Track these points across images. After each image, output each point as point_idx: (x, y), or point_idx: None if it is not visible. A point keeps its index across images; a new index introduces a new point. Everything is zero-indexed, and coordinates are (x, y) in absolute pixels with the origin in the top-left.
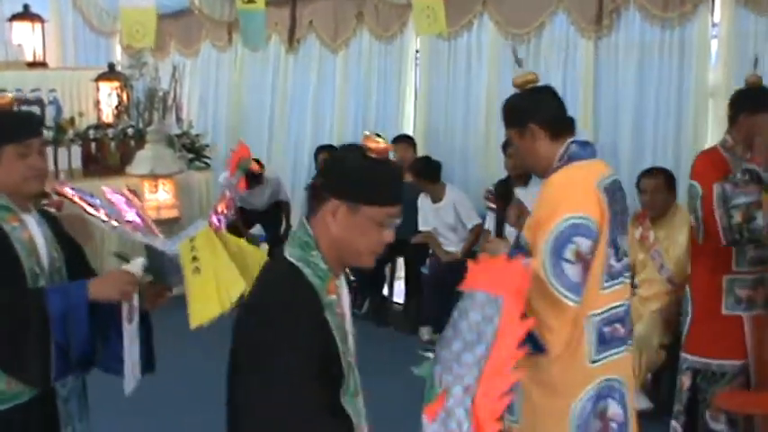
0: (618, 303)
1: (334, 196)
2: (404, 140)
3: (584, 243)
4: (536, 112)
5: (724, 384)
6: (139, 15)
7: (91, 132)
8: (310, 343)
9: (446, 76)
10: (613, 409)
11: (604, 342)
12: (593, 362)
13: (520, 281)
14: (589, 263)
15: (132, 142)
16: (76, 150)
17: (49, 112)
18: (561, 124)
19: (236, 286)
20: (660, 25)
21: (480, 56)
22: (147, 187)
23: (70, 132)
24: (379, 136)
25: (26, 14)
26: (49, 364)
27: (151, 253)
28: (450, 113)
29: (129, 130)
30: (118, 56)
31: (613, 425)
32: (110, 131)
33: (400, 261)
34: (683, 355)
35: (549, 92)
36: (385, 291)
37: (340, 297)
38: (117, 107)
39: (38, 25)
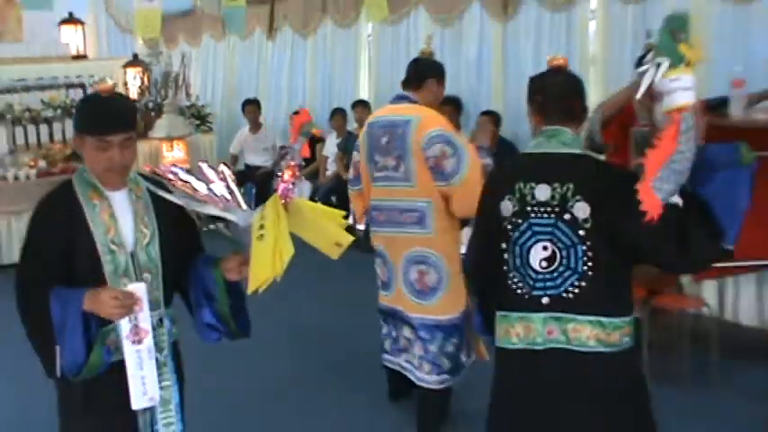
0: (381, 197)
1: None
2: (360, 104)
3: (355, 155)
4: None
5: None
6: (149, 14)
7: None
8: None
9: (391, 53)
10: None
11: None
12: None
13: None
14: (356, 167)
15: (152, 113)
16: None
17: (90, 93)
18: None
19: (287, 251)
20: (551, 10)
21: (417, 36)
22: (165, 147)
23: None
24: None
25: (71, 19)
26: (55, 361)
27: (230, 224)
28: (395, 83)
29: (150, 104)
30: (139, 48)
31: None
32: (135, 105)
33: None
34: None
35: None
36: None
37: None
38: (140, 87)
39: (79, 27)
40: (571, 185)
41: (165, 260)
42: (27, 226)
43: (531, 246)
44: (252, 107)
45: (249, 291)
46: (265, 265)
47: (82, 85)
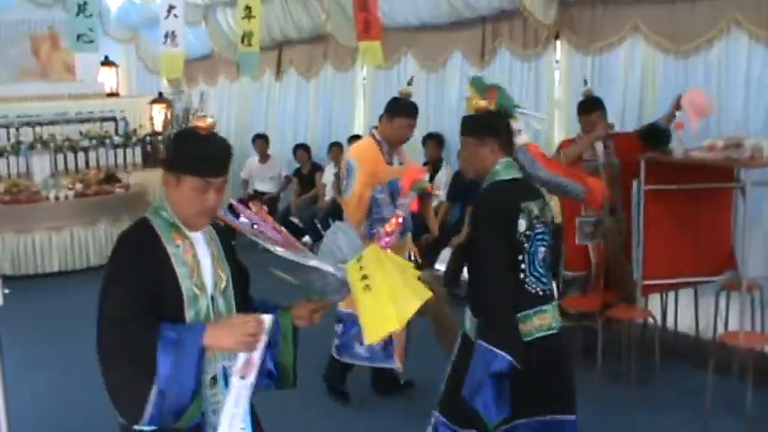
0: None
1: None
2: (355, 138)
3: None
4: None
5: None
6: (174, 57)
7: (148, 138)
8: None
9: (383, 94)
10: None
11: None
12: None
13: None
14: None
15: None
16: (138, 150)
17: (121, 126)
18: None
19: (411, 304)
20: (521, 59)
21: (406, 80)
22: None
23: (134, 138)
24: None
25: (107, 62)
26: (144, 406)
27: (299, 270)
28: None
29: (173, 136)
30: (163, 87)
31: None
32: (160, 137)
33: None
34: (564, 272)
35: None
36: None
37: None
38: (164, 121)
39: (114, 69)
40: (541, 199)
41: (237, 305)
42: (111, 265)
43: (536, 251)
44: (261, 141)
45: (367, 342)
46: (384, 318)
47: (114, 119)
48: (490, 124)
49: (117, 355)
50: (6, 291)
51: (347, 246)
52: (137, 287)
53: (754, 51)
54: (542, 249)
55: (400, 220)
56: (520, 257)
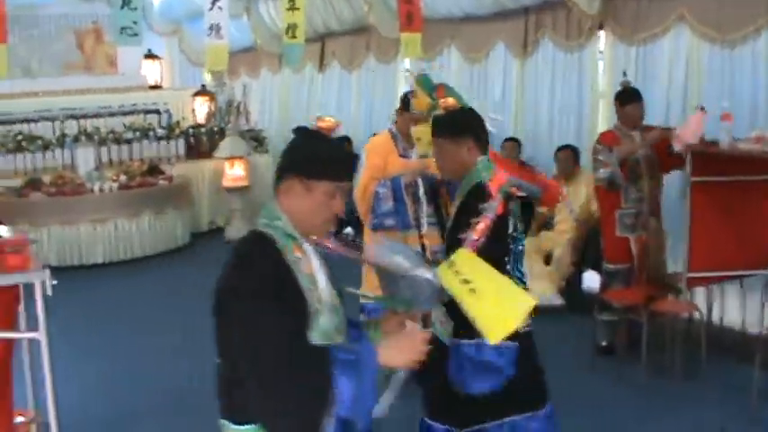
0: None
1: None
2: None
3: None
4: None
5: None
6: (218, 49)
7: (191, 130)
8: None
9: None
10: None
11: None
12: None
13: None
14: None
15: (217, 136)
16: (181, 142)
17: (164, 118)
18: None
19: (525, 301)
20: (564, 51)
21: (449, 71)
22: (227, 165)
23: (177, 130)
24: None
25: (150, 55)
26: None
27: (388, 281)
28: None
29: (215, 128)
30: (206, 79)
31: None
32: (203, 129)
33: None
34: (604, 263)
35: None
36: None
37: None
38: (207, 113)
39: (157, 62)
40: (517, 198)
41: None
42: (243, 294)
43: (519, 251)
44: None
45: (492, 342)
46: (501, 316)
47: (157, 111)
48: (465, 123)
49: (293, 393)
50: (54, 282)
51: (404, 253)
52: (285, 312)
53: None
54: (521, 249)
55: (488, 222)
56: (506, 258)
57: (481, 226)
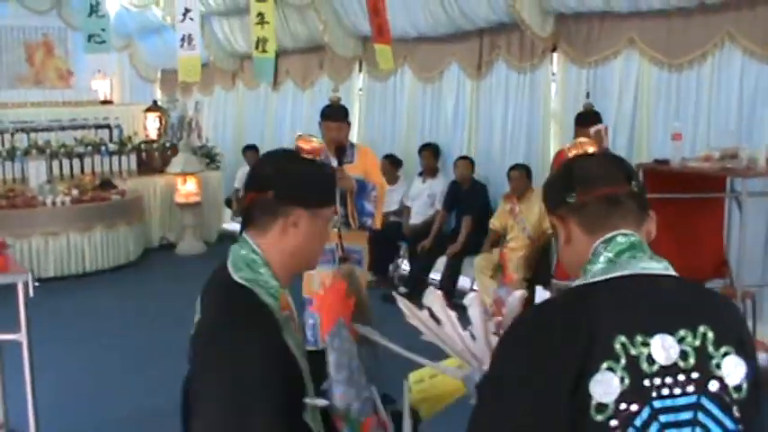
0: None
1: (294, 205)
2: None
3: None
4: None
5: None
6: (190, 61)
7: (142, 146)
8: (276, 374)
9: (380, 104)
10: None
11: None
12: None
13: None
14: None
15: (169, 152)
16: (133, 158)
17: (115, 133)
18: None
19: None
20: (518, 72)
21: (403, 91)
22: (180, 181)
23: (129, 146)
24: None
25: (99, 71)
26: None
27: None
28: (381, 129)
29: (167, 144)
30: (157, 95)
31: None
32: (154, 145)
33: None
34: (553, 280)
35: None
36: None
37: (292, 310)
38: (159, 129)
39: (107, 79)
40: None
41: None
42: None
43: None
44: (251, 152)
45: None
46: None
47: (108, 126)
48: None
49: None
50: (36, 283)
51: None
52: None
53: (747, 66)
54: None
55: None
56: None
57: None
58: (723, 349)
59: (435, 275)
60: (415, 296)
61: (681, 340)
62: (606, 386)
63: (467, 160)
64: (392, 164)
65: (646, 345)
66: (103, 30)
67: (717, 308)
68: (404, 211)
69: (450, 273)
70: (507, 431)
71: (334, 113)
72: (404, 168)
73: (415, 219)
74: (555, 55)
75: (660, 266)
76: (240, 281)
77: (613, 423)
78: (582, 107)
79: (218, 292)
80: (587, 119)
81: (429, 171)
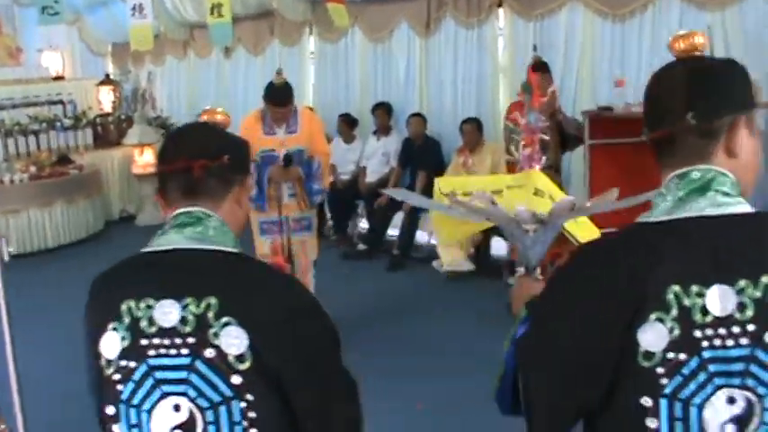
0: None
1: (243, 173)
2: (308, 109)
3: None
4: None
5: None
6: (142, 29)
7: (97, 119)
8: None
9: (332, 67)
10: None
11: None
12: None
13: None
14: None
15: (124, 124)
16: (89, 132)
17: (69, 108)
18: None
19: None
20: (465, 27)
21: (354, 52)
22: (137, 152)
23: (84, 120)
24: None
25: (50, 47)
26: None
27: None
28: (334, 90)
29: (122, 116)
30: (109, 68)
31: None
32: (109, 118)
33: None
34: None
35: None
36: None
37: None
38: (113, 102)
39: (57, 53)
40: None
41: None
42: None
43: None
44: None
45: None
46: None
47: (61, 102)
48: None
49: None
50: (11, 249)
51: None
52: None
53: (686, 13)
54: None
55: None
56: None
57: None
58: None
59: (393, 231)
60: (374, 252)
61: (740, 291)
62: (654, 336)
63: (419, 117)
64: (347, 123)
65: (701, 295)
66: (56, 1)
67: None
68: (359, 170)
69: (408, 228)
70: (550, 351)
71: (279, 97)
72: (359, 128)
73: (371, 177)
74: (501, 10)
75: (732, 201)
76: (232, 249)
77: (660, 370)
78: (531, 59)
79: (243, 268)
80: (537, 69)
81: (383, 129)
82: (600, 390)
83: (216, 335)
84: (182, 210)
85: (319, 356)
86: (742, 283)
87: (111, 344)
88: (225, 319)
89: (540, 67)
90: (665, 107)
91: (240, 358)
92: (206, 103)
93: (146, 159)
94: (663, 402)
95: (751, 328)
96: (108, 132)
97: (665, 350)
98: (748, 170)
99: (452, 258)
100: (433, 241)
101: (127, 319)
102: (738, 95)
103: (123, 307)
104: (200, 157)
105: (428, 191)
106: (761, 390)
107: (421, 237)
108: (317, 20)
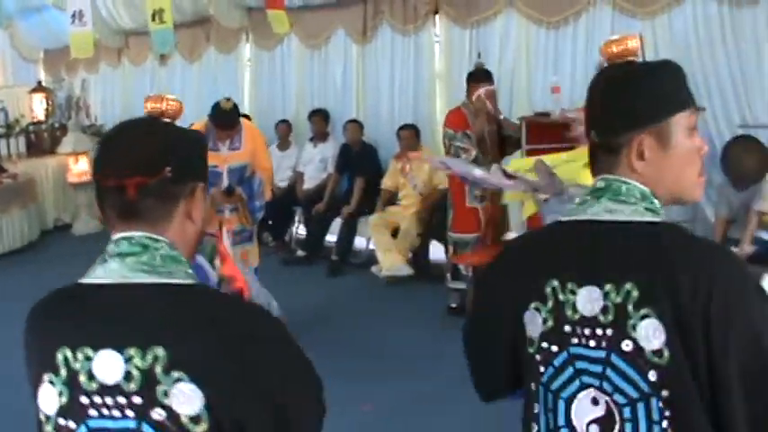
0: None
1: (194, 179)
2: (245, 117)
3: None
4: None
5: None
6: (83, 36)
7: (30, 128)
8: None
9: (269, 73)
10: None
11: None
12: None
13: None
14: None
15: (58, 132)
16: (22, 140)
17: (1, 116)
18: None
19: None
20: (402, 34)
21: (291, 59)
22: (72, 161)
23: (17, 128)
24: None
25: None
26: None
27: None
28: (270, 97)
29: (56, 124)
30: (41, 75)
31: None
32: (43, 126)
33: None
34: (449, 233)
35: None
36: None
37: None
38: (46, 109)
39: None
40: None
41: None
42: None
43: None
44: None
45: None
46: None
47: None
48: None
49: None
50: None
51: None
52: None
53: (617, 21)
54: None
55: None
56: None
57: None
58: (642, 311)
59: (331, 237)
60: (314, 258)
61: (606, 295)
62: (531, 324)
63: (356, 123)
64: (288, 128)
65: (573, 293)
66: None
67: (652, 264)
68: (297, 176)
69: (346, 234)
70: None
71: (226, 121)
72: (294, 134)
73: (309, 183)
74: (437, 17)
75: (627, 210)
76: (184, 280)
77: (538, 358)
78: (473, 66)
79: (201, 312)
80: (479, 77)
81: (320, 136)
82: (501, 346)
83: (165, 393)
84: (122, 234)
85: (294, 412)
86: (608, 287)
87: (49, 399)
88: (175, 374)
89: (482, 76)
90: (587, 120)
91: (195, 420)
92: (140, 110)
93: (81, 168)
94: (540, 390)
95: (609, 333)
96: (41, 140)
97: (540, 339)
98: (660, 182)
99: (391, 263)
100: (371, 246)
101: (64, 372)
102: (644, 111)
103: (59, 356)
104: (135, 174)
105: (366, 196)
106: (618, 398)
107: (359, 242)
108: (253, 27)
